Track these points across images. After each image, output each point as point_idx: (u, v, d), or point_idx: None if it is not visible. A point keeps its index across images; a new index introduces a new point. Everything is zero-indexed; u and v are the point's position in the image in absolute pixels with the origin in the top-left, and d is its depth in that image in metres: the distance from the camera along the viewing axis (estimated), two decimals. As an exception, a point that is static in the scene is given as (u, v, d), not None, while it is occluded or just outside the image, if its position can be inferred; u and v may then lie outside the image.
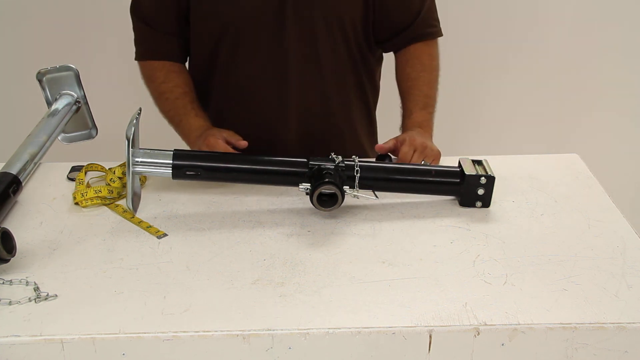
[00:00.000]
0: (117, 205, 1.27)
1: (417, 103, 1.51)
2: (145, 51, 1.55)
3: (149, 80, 1.55)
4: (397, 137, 1.41)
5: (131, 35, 1.57)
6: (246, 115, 1.55)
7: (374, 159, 1.41)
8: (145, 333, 0.94)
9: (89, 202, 1.26)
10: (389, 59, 1.64)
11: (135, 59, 1.57)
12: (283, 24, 1.44)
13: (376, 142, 1.68)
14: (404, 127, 1.51)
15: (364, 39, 1.53)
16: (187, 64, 1.62)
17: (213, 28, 1.48)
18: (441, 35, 1.58)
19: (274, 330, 0.95)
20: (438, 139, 1.50)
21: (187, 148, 1.51)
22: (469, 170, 1.27)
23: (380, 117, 1.72)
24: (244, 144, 1.35)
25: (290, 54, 1.47)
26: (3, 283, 1.04)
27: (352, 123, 1.61)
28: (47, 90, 1.40)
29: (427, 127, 1.49)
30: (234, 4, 1.44)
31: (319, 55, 1.48)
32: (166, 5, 1.49)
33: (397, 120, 1.56)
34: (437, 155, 1.39)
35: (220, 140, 1.37)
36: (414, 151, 1.36)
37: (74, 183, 1.35)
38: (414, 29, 1.53)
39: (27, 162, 1.26)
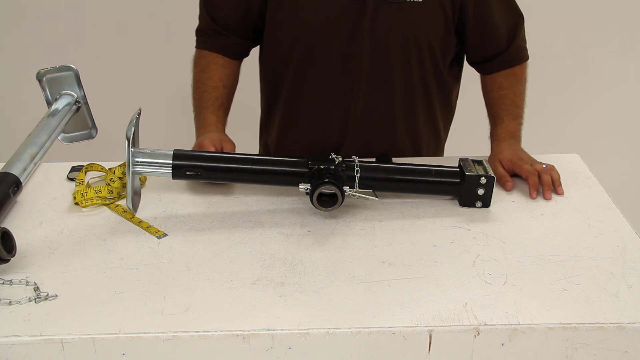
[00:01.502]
0: (117, 205, 1.27)
1: (510, 112, 1.48)
2: (201, 41, 1.56)
3: (194, 65, 1.56)
4: (499, 159, 1.39)
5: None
6: (308, 132, 1.55)
7: (374, 159, 1.41)
8: (145, 333, 0.94)
9: (89, 202, 1.26)
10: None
11: (195, 47, 1.57)
12: (357, 42, 1.42)
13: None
14: (496, 136, 1.47)
15: (442, 62, 1.50)
16: (260, 79, 1.62)
17: (285, 40, 1.47)
18: (528, 58, 1.54)
19: (274, 330, 0.95)
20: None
21: (187, 148, 1.50)
22: (469, 170, 1.27)
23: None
24: None
25: (361, 74, 1.45)
26: (3, 283, 1.04)
27: (419, 146, 1.59)
28: (47, 90, 1.40)
29: (518, 137, 1.46)
30: (309, 18, 1.43)
31: (391, 77, 1.46)
32: (236, 7, 1.49)
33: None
34: (552, 168, 1.36)
35: (212, 148, 1.36)
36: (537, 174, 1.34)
37: (74, 183, 1.35)
38: (506, 56, 1.50)
39: (27, 162, 1.26)
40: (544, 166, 1.35)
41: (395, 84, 1.48)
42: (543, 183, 1.32)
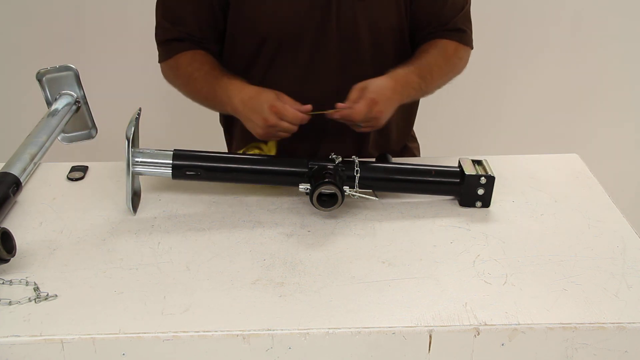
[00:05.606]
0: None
1: (419, 67, 1.41)
2: (172, 47, 1.46)
3: (175, 70, 1.46)
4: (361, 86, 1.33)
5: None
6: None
7: (374, 159, 1.41)
8: (145, 333, 0.94)
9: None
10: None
11: (160, 61, 1.49)
12: (325, 36, 1.41)
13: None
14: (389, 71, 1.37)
15: (402, 45, 1.49)
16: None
17: (251, 39, 1.44)
18: (471, 45, 1.52)
19: (274, 330, 0.95)
20: (439, 139, 1.49)
21: (187, 148, 1.49)
22: (469, 170, 1.27)
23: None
24: (308, 107, 1.29)
25: (330, 66, 1.44)
26: (3, 283, 1.04)
27: (387, 137, 1.58)
28: (47, 90, 1.40)
29: (405, 92, 1.37)
30: (275, 14, 1.41)
31: (360, 67, 1.44)
32: (199, 14, 1.43)
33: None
34: (378, 124, 1.32)
35: (287, 106, 1.28)
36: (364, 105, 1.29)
37: (74, 183, 1.35)
38: (446, 29, 1.47)
39: (27, 162, 1.26)
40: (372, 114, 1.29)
41: (366, 74, 1.43)
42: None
